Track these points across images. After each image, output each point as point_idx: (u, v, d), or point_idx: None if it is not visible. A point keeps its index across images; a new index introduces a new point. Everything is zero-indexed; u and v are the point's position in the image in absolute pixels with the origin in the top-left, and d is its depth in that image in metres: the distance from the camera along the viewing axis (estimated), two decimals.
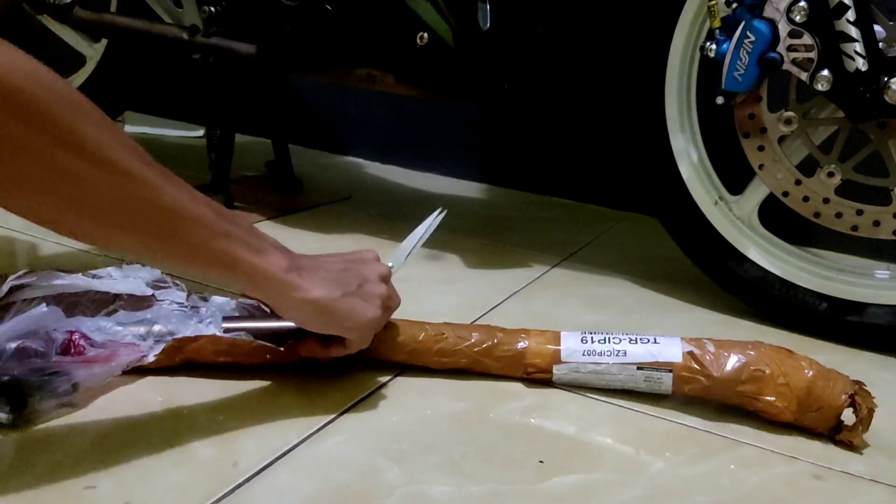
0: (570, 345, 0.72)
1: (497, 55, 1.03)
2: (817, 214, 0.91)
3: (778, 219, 1.00)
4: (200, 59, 1.18)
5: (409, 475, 0.58)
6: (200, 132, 1.77)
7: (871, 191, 0.93)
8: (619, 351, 0.71)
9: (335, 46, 1.08)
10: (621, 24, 1.22)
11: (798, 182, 0.91)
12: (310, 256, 0.66)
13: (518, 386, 0.74)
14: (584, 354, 0.71)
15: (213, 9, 1.13)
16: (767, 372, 0.68)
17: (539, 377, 0.73)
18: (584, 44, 1.43)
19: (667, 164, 0.99)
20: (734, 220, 0.98)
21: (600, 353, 0.71)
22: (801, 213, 0.92)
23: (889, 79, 0.82)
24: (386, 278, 0.69)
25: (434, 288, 0.99)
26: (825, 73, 0.84)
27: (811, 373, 0.68)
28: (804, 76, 0.85)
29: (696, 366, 0.70)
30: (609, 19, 1.37)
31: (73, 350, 0.64)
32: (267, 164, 1.42)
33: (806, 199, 0.91)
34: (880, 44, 0.82)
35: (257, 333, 0.69)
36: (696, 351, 0.70)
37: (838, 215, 0.90)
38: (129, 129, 1.75)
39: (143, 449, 0.59)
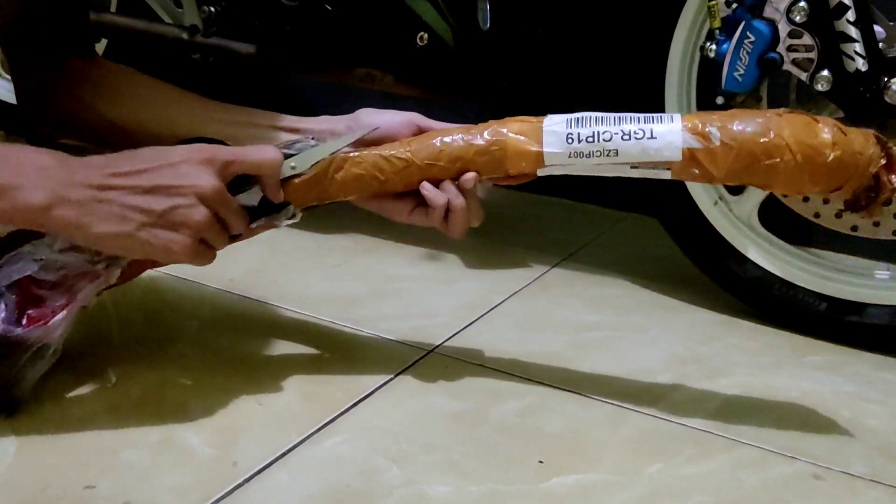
0: (555, 147, 0.64)
1: (497, 55, 1.03)
2: (817, 214, 0.91)
3: (778, 219, 1.00)
4: (200, 59, 1.18)
5: (408, 475, 0.58)
6: None
7: None
8: (609, 151, 0.63)
9: (335, 46, 1.08)
10: (622, 24, 1.22)
11: None
12: (106, 172, 0.56)
13: (518, 386, 0.74)
14: (570, 157, 0.64)
15: (212, 9, 1.13)
16: (779, 160, 0.61)
17: (523, 180, 0.67)
18: (585, 44, 1.43)
19: None
20: (734, 220, 0.98)
21: (588, 155, 0.63)
22: (801, 213, 0.92)
23: (889, 79, 0.82)
24: (209, 197, 0.57)
25: (434, 288, 0.99)
26: (825, 73, 0.84)
27: (829, 136, 0.61)
28: (804, 76, 0.84)
29: (696, 169, 0.62)
30: (609, 19, 1.37)
31: (29, 306, 0.60)
32: None
33: (806, 199, 0.91)
34: (880, 44, 0.82)
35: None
36: (698, 145, 0.62)
37: (838, 215, 0.90)
38: None
39: (143, 449, 0.59)
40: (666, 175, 0.64)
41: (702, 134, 0.62)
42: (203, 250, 0.59)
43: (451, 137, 0.66)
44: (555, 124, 0.64)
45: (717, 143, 0.62)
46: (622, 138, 0.62)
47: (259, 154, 0.61)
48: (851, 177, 0.62)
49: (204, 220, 0.57)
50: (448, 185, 0.65)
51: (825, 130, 0.61)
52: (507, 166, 0.66)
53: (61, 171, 0.54)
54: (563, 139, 0.64)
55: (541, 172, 0.65)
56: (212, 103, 0.75)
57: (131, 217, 0.55)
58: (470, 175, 0.65)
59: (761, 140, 0.61)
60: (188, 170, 0.56)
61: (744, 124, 0.62)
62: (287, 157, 0.63)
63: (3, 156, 0.54)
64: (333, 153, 0.65)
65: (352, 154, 0.66)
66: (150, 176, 0.56)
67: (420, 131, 0.69)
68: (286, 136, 0.72)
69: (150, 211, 0.55)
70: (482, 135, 0.66)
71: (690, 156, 0.62)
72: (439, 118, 0.73)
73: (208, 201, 0.57)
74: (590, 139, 0.63)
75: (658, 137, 0.62)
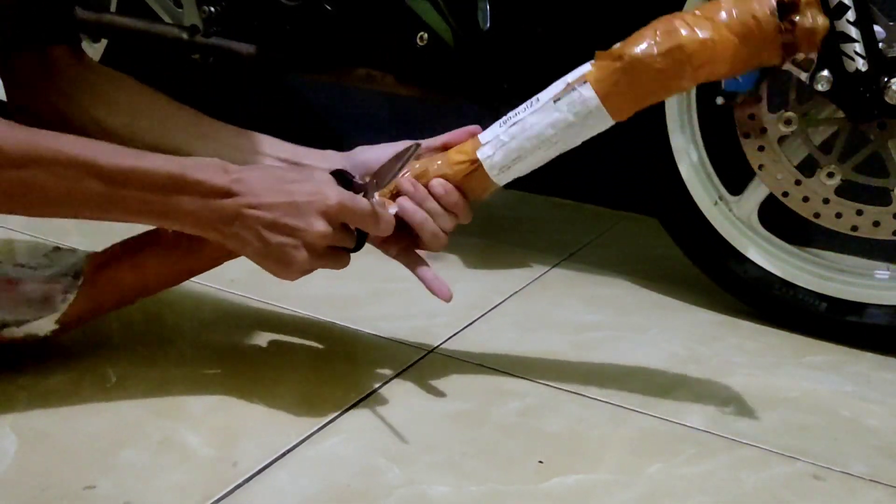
0: (488, 133, 0.67)
1: (497, 55, 1.03)
2: (817, 215, 0.91)
3: (778, 219, 1.00)
4: (200, 59, 1.18)
5: (408, 475, 0.58)
6: None
7: (871, 191, 0.93)
8: (532, 101, 0.66)
9: (335, 46, 1.08)
10: (622, 24, 1.22)
11: (798, 182, 0.91)
12: (242, 203, 0.62)
13: (518, 386, 0.74)
14: (500, 126, 0.66)
15: (212, 9, 1.13)
16: (685, 33, 0.62)
17: (477, 182, 0.68)
18: (585, 44, 1.43)
19: (667, 164, 0.98)
20: (734, 220, 0.98)
21: (516, 114, 0.66)
22: (801, 213, 0.92)
23: (889, 79, 0.82)
24: (315, 244, 0.63)
25: None
26: (825, 73, 0.84)
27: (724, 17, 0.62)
28: (804, 76, 0.84)
29: (606, 61, 0.64)
30: (609, 19, 1.37)
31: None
32: None
33: (806, 199, 0.91)
34: (880, 44, 0.82)
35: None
36: (604, 55, 0.64)
37: (838, 215, 0.90)
38: None
39: (143, 449, 0.59)
40: (594, 101, 0.64)
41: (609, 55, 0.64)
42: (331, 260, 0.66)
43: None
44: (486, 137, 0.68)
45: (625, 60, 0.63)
46: (537, 98, 0.66)
47: (377, 219, 0.65)
48: (761, 43, 0.63)
49: (303, 261, 0.62)
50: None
51: (707, 26, 0.62)
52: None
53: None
54: (493, 132, 0.67)
55: (483, 154, 0.66)
56: (206, 121, 0.77)
57: (250, 241, 0.62)
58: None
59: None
60: (307, 215, 0.62)
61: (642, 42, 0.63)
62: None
63: (177, 184, 0.60)
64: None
65: None
66: (275, 213, 0.62)
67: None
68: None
69: (266, 241, 0.62)
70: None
71: (598, 66, 0.64)
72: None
73: (312, 248, 0.62)
74: (514, 113, 0.66)
75: (568, 75, 0.65)
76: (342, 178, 0.66)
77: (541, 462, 0.62)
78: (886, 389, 0.81)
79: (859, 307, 0.92)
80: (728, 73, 0.64)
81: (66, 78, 0.75)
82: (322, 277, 1.01)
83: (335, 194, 0.62)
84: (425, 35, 1.00)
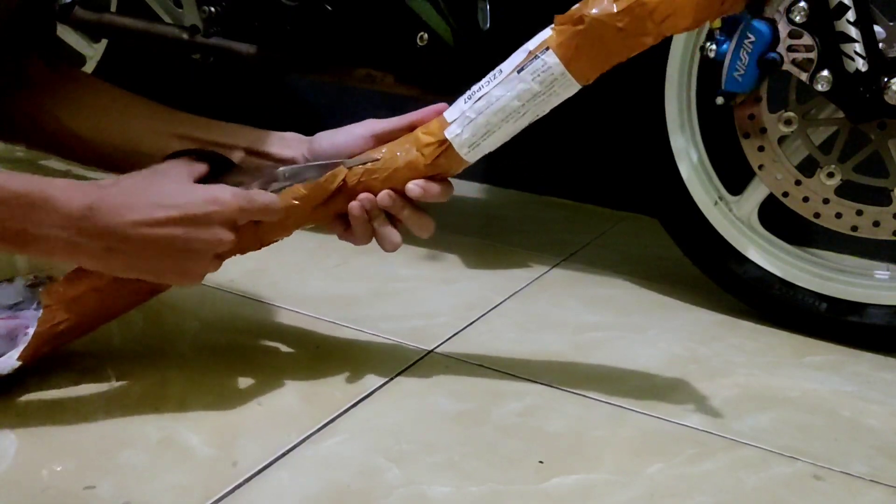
0: (454, 110, 0.66)
1: (497, 55, 1.03)
2: (817, 215, 0.91)
3: (778, 219, 1.00)
4: (200, 59, 1.18)
5: (408, 475, 0.58)
6: None
7: (871, 191, 0.93)
8: (496, 73, 0.65)
9: (335, 46, 1.08)
10: None
11: (798, 182, 0.91)
12: (130, 220, 0.58)
13: (518, 386, 0.74)
14: (465, 102, 0.65)
15: (213, 9, 1.13)
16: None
17: (448, 161, 0.66)
18: None
19: (667, 164, 0.98)
20: (734, 220, 0.98)
21: (480, 88, 0.65)
22: (801, 213, 0.92)
23: (889, 79, 0.82)
24: (234, 218, 0.62)
25: (434, 288, 0.99)
26: (825, 73, 0.84)
27: None
28: (804, 76, 0.84)
29: (566, 25, 0.62)
30: None
31: None
32: None
33: (806, 199, 0.91)
34: (880, 44, 0.82)
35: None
36: (564, 19, 0.63)
37: (838, 216, 0.90)
38: None
39: (143, 449, 0.59)
40: (558, 68, 0.63)
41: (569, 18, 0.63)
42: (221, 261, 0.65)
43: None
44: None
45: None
46: (500, 70, 0.64)
47: (264, 199, 0.64)
48: None
49: (213, 268, 0.63)
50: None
51: None
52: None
53: (87, 218, 0.57)
54: (459, 109, 0.66)
55: (451, 133, 0.65)
56: (176, 117, 0.75)
57: (145, 262, 0.60)
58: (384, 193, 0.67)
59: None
60: (209, 225, 0.60)
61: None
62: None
63: (30, 201, 0.56)
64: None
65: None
66: (174, 230, 0.59)
67: (378, 140, 0.69)
68: (247, 158, 0.73)
69: (167, 260, 0.60)
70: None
71: (559, 31, 0.62)
72: None
73: (219, 255, 0.63)
74: (479, 87, 0.65)
75: (529, 42, 0.64)
76: (213, 158, 0.67)
77: (541, 462, 0.62)
78: (886, 389, 0.81)
79: (859, 307, 0.92)
80: (692, 24, 0.62)
81: (37, 87, 0.73)
82: (322, 277, 1.01)
83: (230, 198, 0.61)
84: (425, 35, 1.00)
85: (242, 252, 0.67)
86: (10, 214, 0.55)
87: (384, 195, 0.66)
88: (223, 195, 0.61)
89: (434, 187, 0.66)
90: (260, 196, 0.63)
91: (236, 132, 0.73)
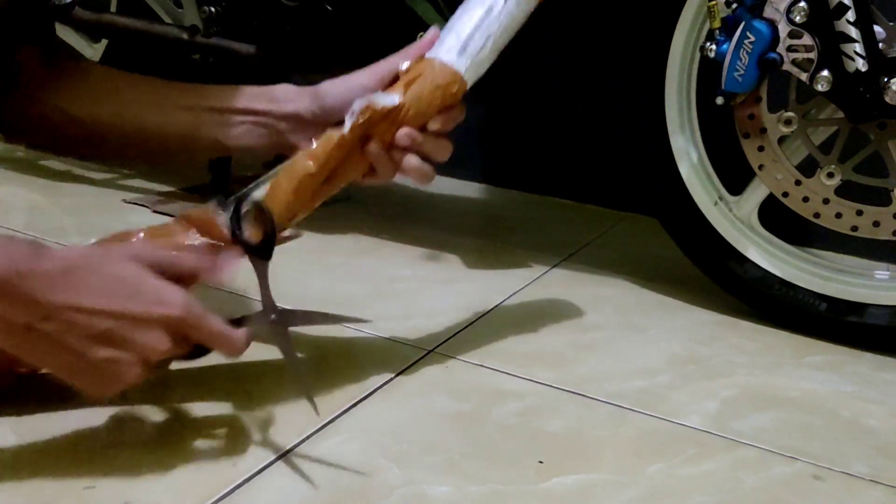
0: (445, 49, 0.67)
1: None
2: (817, 215, 0.91)
3: (778, 219, 1.00)
4: (200, 59, 1.18)
5: (408, 475, 0.58)
6: None
7: (871, 191, 0.93)
8: (463, 7, 0.68)
9: (335, 46, 1.08)
10: (622, 25, 1.22)
11: (798, 182, 0.91)
12: (56, 296, 0.50)
13: (518, 386, 0.74)
14: (449, 33, 0.68)
15: (213, 9, 1.13)
16: None
17: (460, 92, 0.68)
18: (585, 44, 1.43)
19: (667, 164, 0.99)
20: (734, 220, 0.98)
21: (458, 20, 0.68)
22: (801, 213, 0.92)
23: (889, 79, 0.82)
24: (175, 326, 0.53)
25: (434, 288, 0.99)
26: (825, 73, 0.84)
27: None
28: (804, 77, 0.84)
29: None
30: (610, 19, 1.37)
31: None
32: (265, 164, 1.42)
33: (806, 199, 0.91)
34: (880, 44, 0.82)
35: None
36: None
37: (838, 216, 0.90)
38: None
39: (143, 449, 0.59)
40: None
41: None
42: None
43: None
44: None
45: None
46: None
47: (218, 327, 0.57)
48: None
49: (134, 378, 0.53)
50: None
51: None
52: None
53: (12, 284, 0.48)
54: (449, 43, 0.67)
55: (461, 67, 0.67)
56: (172, 89, 0.73)
57: (65, 351, 0.51)
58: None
59: None
60: (147, 327, 0.52)
61: None
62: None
63: None
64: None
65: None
66: (108, 322, 0.51)
67: (383, 83, 0.69)
68: (245, 118, 0.72)
69: (89, 355, 0.51)
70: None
71: None
72: None
73: (146, 363, 0.53)
74: (457, 20, 0.67)
75: None
76: (231, 206, 0.66)
77: (541, 462, 0.62)
78: (886, 389, 0.81)
79: (859, 307, 0.92)
80: None
81: (38, 83, 0.73)
82: (322, 277, 1.01)
83: (180, 304, 0.53)
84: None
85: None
86: None
87: (403, 135, 0.66)
88: (174, 299, 0.54)
89: (453, 115, 0.68)
90: (214, 321, 0.56)
91: (232, 94, 0.72)
